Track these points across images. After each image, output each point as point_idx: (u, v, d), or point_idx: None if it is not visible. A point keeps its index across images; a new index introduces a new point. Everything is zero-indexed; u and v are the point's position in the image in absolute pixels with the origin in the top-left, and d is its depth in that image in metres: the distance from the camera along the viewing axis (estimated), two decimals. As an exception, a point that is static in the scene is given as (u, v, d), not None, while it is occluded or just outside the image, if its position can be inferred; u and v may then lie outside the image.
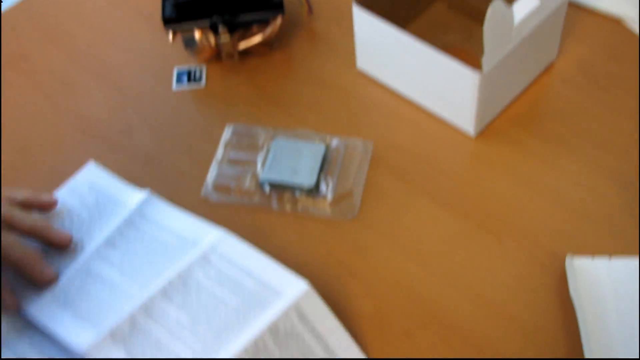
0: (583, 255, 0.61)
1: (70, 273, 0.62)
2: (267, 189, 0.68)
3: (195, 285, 0.59)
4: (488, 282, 0.61)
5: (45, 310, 0.60)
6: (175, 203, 0.66)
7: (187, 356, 0.56)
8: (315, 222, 0.66)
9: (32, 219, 0.64)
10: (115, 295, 0.60)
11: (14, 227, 0.62)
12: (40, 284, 0.62)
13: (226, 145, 0.72)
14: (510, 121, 0.72)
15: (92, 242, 0.64)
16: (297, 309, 0.57)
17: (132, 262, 0.62)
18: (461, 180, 0.68)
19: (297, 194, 0.67)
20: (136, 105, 0.78)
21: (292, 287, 0.58)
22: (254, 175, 0.69)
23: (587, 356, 0.54)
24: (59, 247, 0.64)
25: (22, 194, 0.65)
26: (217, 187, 0.69)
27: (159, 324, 0.58)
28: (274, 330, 0.56)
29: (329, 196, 0.67)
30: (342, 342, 0.57)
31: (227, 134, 0.73)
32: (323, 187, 0.67)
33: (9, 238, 0.61)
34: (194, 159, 0.72)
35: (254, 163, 0.70)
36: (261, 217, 0.67)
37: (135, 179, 0.70)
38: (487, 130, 0.71)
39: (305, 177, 0.67)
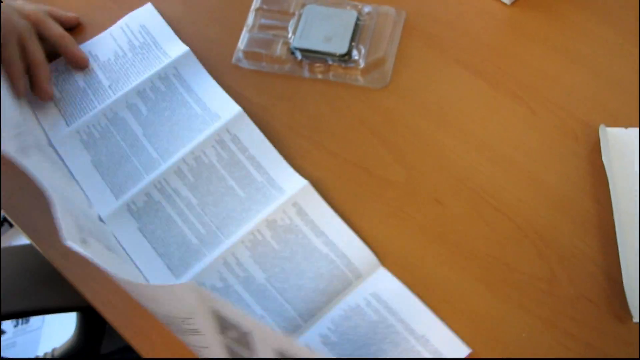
0: (616, 126, 0.61)
1: (98, 110, 0.65)
2: (298, 56, 0.67)
3: (207, 167, 0.61)
4: (521, 151, 0.62)
5: (68, 147, 0.64)
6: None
7: (191, 237, 0.59)
8: (348, 90, 0.66)
9: (63, 30, 0.69)
10: (136, 155, 0.63)
11: (44, 31, 0.67)
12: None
13: (257, 12, 0.70)
14: (546, -11, 0.70)
15: (126, 85, 0.66)
16: (295, 205, 0.59)
17: (154, 122, 0.64)
18: (495, 49, 0.67)
19: (329, 61, 0.67)
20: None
21: (294, 185, 0.60)
22: (285, 42, 0.68)
23: (617, 224, 0.55)
24: (77, 65, 0.68)
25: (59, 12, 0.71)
26: (248, 54, 0.68)
27: (170, 202, 0.60)
28: (271, 223, 0.59)
29: (361, 63, 0.66)
30: (344, 236, 0.59)
31: (257, 0, 0.71)
32: (355, 54, 0.66)
33: (49, 18, 0.68)
34: (225, 26, 0.71)
35: (285, 30, 0.69)
36: (293, 84, 0.67)
37: (165, 45, 0.70)
38: None
39: (337, 44, 0.66)
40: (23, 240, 1.19)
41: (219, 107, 0.64)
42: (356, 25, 0.68)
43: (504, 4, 0.69)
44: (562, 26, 0.68)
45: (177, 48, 0.68)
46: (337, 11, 0.69)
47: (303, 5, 0.70)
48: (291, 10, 0.70)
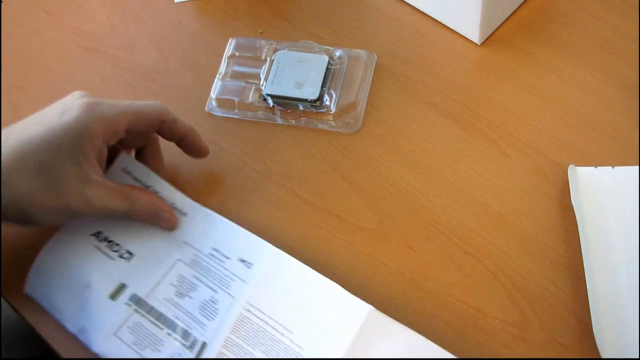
0: (586, 166, 0.60)
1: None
2: (270, 103, 0.67)
3: None
4: (491, 192, 0.61)
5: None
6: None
7: None
8: (320, 135, 0.66)
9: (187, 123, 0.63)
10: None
11: (171, 131, 0.61)
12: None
13: (229, 59, 0.71)
14: (516, 28, 0.70)
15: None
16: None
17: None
18: (466, 90, 0.67)
19: (301, 107, 0.67)
20: (137, 19, 0.77)
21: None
22: (257, 89, 0.68)
23: (586, 267, 0.55)
24: (200, 156, 0.64)
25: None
26: (221, 101, 0.68)
27: None
28: None
29: (333, 108, 0.66)
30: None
31: (229, 47, 0.72)
32: (326, 99, 0.67)
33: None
34: (198, 74, 0.72)
35: (257, 77, 0.69)
36: (266, 131, 0.67)
37: (139, 95, 0.70)
38: (493, 38, 0.70)
39: (308, 89, 0.67)
40: None
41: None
42: (327, 70, 0.68)
43: (475, 43, 0.69)
44: (532, 65, 0.68)
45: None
46: (309, 56, 0.69)
47: (275, 51, 0.70)
48: (263, 57, 0.70)
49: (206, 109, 0.69)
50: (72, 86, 0.72)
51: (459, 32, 0.70)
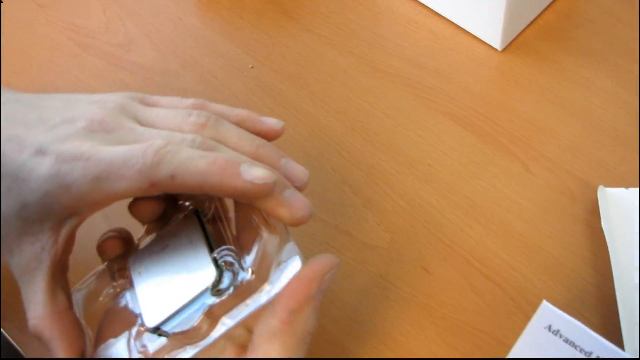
0: (616, 186, 0.56)
1: None
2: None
3: None
4: (513, 212, 0.57)
5: None
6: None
7: None
8: (328, 145, 0.62)
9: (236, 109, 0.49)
10: None
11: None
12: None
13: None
14: (539, 33, 0.66)
15: None
16: None
17: None
18: (486, 99, 0.63)
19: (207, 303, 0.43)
20: (135, 15, 0.72)
21: None
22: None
23: (618, 297, 0.51)
24: (270, 137, 0.49)
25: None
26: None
27: None
28: None
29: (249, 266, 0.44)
30: None
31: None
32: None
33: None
34: (199, 75, 0.67)
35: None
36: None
37: (135, 97, 0.66)
38: (515, 44, 0.66)
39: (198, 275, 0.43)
40: None
41: None
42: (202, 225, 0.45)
43: (495, 49, 0.65)
44: (558, 74, 0.64)
45: None
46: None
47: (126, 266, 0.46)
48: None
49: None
50: (63, 84, 0.67)
51: (479, 36, 0.66)
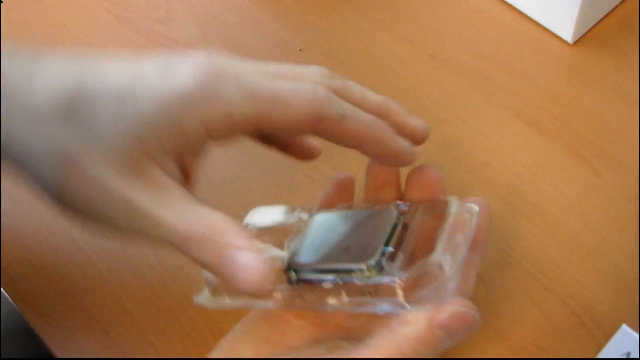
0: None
1: None
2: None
3: None
4: (580, 220, 0.53)
5: None
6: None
7: None
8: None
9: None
10: None
11: (333, 134, 0.41)
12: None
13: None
14: (616, 26, 0.61)
15: None
16: None
17: None
18: (553, 96, 0.59)
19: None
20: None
21: None
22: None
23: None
24: (416, 140, 0.44)
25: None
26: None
27: None
28: None
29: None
30: None
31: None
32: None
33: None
34: (243, 56, 0.63)
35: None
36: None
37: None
38: (588, 37, 0.61)
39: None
40: None
41: None
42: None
43: (566, 42, 0.60)
44: (633, 71, 0.59)
45: None
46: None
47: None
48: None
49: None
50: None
51: (548, 27, 0.61)
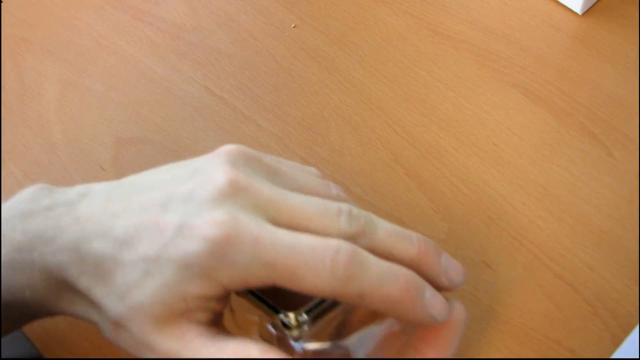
0: None
1: None
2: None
3: None
4: (592, 202, 0.51)
5: None
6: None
7: None
8: (379, 117, 0.56)
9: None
10: None
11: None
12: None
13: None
14: (628, -5, 0.59)
15: None
16: None
17: None
18: (562, 71, 0.57)
19: None
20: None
21: None
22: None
23: None
24: (445, 290, 0.42)
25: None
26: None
27: None
28: None
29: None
30: None
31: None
32: None
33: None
34: (234, 33, 0.61)
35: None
36: (314, 108, 0.56)
37: (162, 55, 0.60)
38: (598, 7, 0.59)
39: None
40: None
41: None
42: None
43: (575, 13, 0.58)
44: (647, 43, 0.57)
45: None
46: None
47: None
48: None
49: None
50: (83, 41, 0.61)
51: (556, -3, 0.59)
